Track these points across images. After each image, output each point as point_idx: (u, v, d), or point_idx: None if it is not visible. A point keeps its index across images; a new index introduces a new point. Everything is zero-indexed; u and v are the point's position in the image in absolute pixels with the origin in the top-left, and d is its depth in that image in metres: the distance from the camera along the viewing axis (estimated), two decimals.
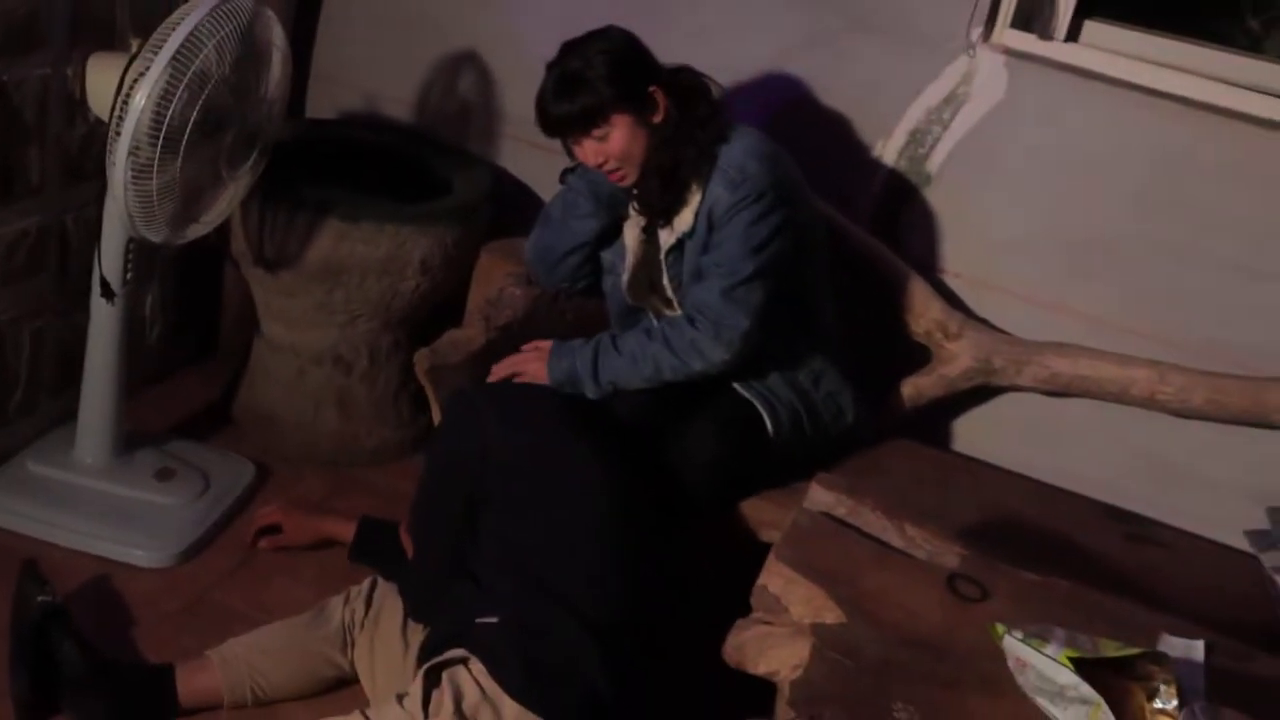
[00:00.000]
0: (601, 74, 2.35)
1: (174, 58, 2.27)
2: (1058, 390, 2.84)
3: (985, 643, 1.89)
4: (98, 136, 2.31)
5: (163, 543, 2.66)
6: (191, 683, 2.29)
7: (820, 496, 2.21)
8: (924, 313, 2.86)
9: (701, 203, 2.42)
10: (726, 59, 2.81)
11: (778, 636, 1.92)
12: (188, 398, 3.20)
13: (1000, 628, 1.81)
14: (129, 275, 2.59)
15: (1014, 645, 1.76)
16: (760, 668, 1.92)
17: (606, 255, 2.65)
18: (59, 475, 2.73)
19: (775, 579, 2.00)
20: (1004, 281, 2.91)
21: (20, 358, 2.78)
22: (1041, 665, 1.72)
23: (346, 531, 2.72)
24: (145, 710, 2.27)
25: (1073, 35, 2.81)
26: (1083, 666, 1.68)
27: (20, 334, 2.76)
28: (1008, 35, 2.81)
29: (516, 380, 2.50)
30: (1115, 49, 2.77)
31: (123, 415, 2.76)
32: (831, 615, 1.92)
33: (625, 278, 2.60)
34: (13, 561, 2.49)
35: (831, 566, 2.02)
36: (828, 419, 2.62)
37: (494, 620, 2.10)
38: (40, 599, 2.30)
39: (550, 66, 2.41)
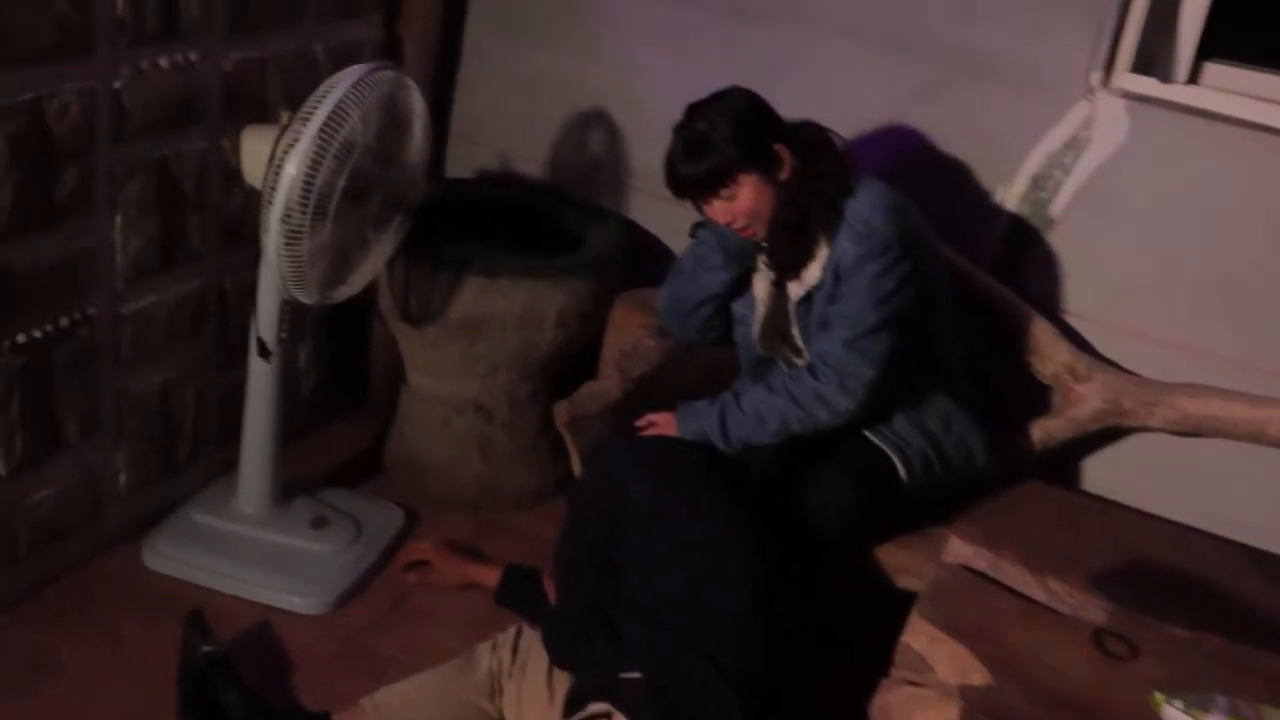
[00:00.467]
0: (726, 135, 2.23)
1: (322, 128, 2.20)
2: (1189, 431, 2.63)
3: (1136, 703, 1.72)
4: (254, 203, 2.25)
5: (319, 589, 2.58)
6: None
7: (959, 549, 2.05)
8: (1052, 355, 2.67)
9: (830, 256, 2.27)
10: (847, 111, 2.66)
11: (925, 699, 1.76)
12: (340, 446, 3.13)
13: (1159, 696, 1.64)
14: (283, 335, 2.53)
15: (1174, 715, 1.59)
16: None
17: (737, 306, 2.51)
18: (221, 524, 2.67)
19: (919, 637, 1.84)
20: (1129, 322, 2.71)
21: (185, 413, 2.73)
22: None
23: (491, 577, 2.63)
24: None
25: (1193, 77, 2.61)
26: None
27: (185, 391, 2.71)
28: (1127, 79, 2.62)
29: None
30: (1237, 90, 2.57)
31: (280, 466, 2.69)
32: (978, 675, 1.76)
33: (756, 329, 2.46)
34: (179, 608, 2.44)
35: (975, 624, 1.85)
36: (959, 462, 2.45)
37: (636, 675, 1.97)
38: (205, 648, 2.24)
39: (677, 129, 2.29)
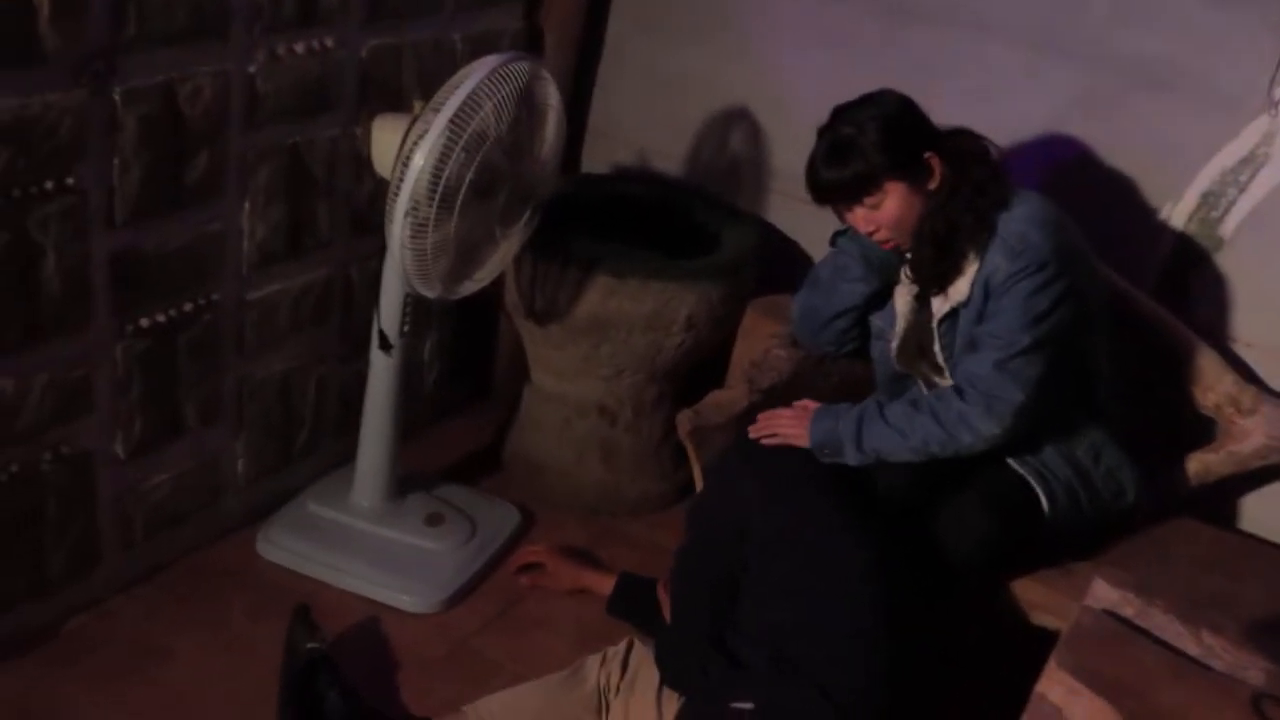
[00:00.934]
0: (874, 140, 2.11)
1: (453, 119, 2.15)
2: None
3: None
4: (382, 192, 2.21)
5: (430, 589, 2.54)
6: None
7: (1104, 593, 1.90)
8: (1214, 385, 2.50)
9: (979, 271, 2.14)
10: (1004, 118, 2.52)
11: None
12: (460, 441, 3.09)
13: None
14: (406, 328, 2.49)
15: None
16: None
17: (875, 320, 2.40)
18: (336, 517, 2.65)
19: (1056, 688, 1.71)
20: None
21: (305, 402, 2.72)
22: None
23: (605, 585, 2.56)
24: None
25: None
26: None
27: (306, 380, 2.70)
28: None
29: (775, 440, 2.27)
30: None
31: (398, 461, 2.66)
32: None
33: (895, 344, 2.34)
34: (290, 599, 2.43)
35: (1119, 677, 1.71)
36: (1107, 497, 2.30)
37: (748, 706, 1.88)
38: (309, 645, 2.21)
39: (822, 132, 2.18)
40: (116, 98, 2.06)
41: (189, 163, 2.25)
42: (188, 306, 2.35)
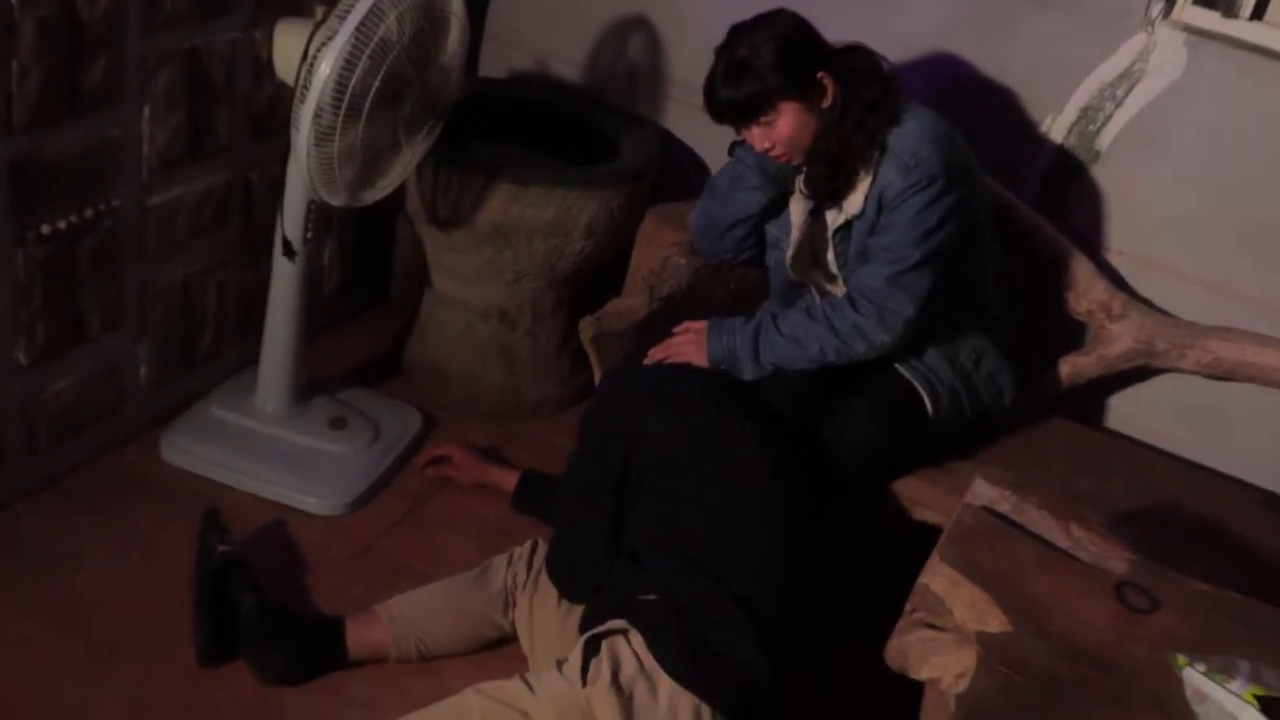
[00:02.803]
0: (770, 61, 2.17)
1: (358, 27, 2.15)
2: (1221, 375, 2.61)
3: (1155, 659, 1.72)
4: (283, 97, 2.22)
5: (335, 491, 2.59)
6: (360, 636, 2.22)
7: (983, 491, 2.04)
8: (1087, 291, 2.64)
9: (872, 185, 2.23)
10: (896, 30, 2.63)
11: (942, 643, 1.76)
12: (361, 346, 3.12)
13: (1181, 659, 1.64)
14: (309, 235, 2.51)
15: (1196, 678, 1.59)
16: (923, 673, 1.77)
17: (771, 229, 2.48)
18: (240, 421, 2.68)
19: (939, 580, 1.84)
20: (1169, 261, 2.68)
21: (207, 307, 2.72)
22: (1224, 701, 1.55)
23: (509, 481, 2.65)
24: (317, 658, 2.21)
25: (1258, 13, 2.53)
26: (1269, 707, 1.50)
27: (207, 285, 2.70)
28: (1189, 12, 2.54)
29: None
30: None
31: (301, 366, 2.69)
32: (996, 622, 1.76)
33: (789, 253, 2.43)
34: (197, 503, 2.47)
35: (996, 569, 1.85)
36: (987, 400, 2.44)
37: (654, 598, 1.98)
38: (221, 549, 2.26)
39: (719, 52, 2.24)
40: (14, 1, 2.03)
41: (87, 67, 2.22)
42: (88, 213, 2.34)
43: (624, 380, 2.30)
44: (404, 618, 2.24)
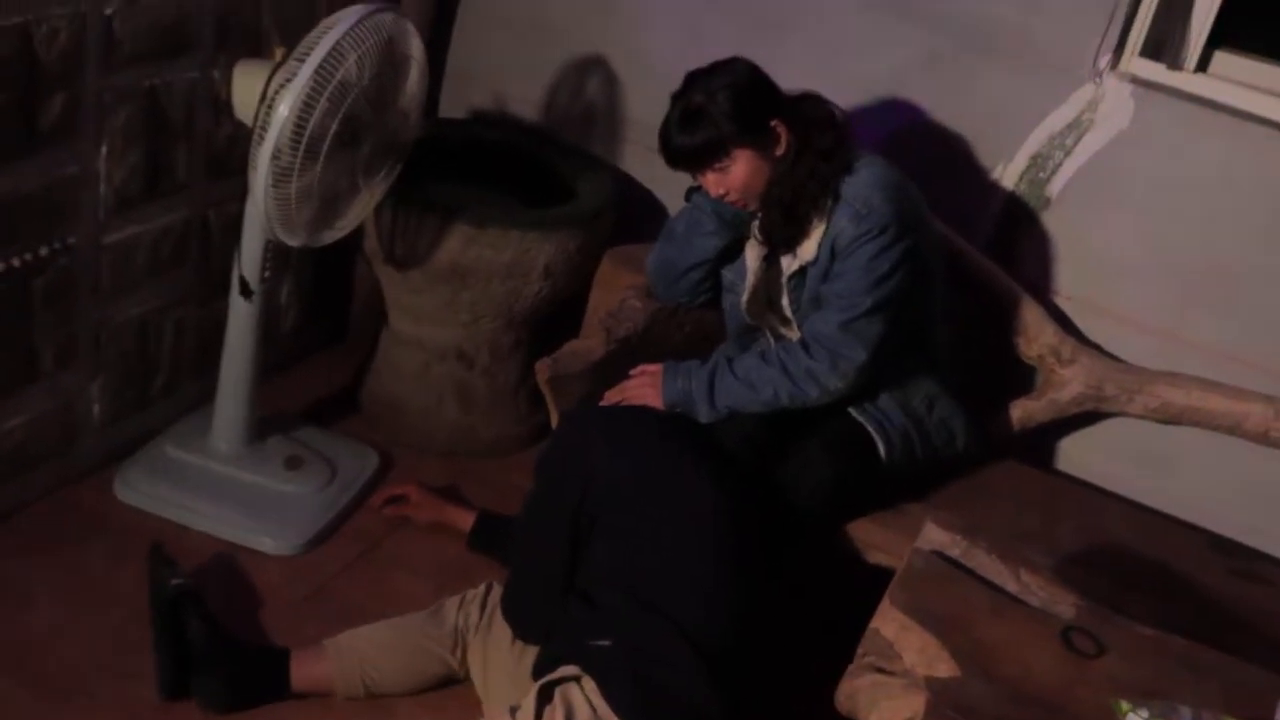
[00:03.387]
0: (724, 109, 2.21)
1: (318, 69, 2.17)
2: (1168, 419, 2.66)
3: (1099, 705, 1.74)
4: (242, 136, 2.23)
5: (290, 531, 2.58)
6: (306, 668, 2.22)
7: (934, 535, 2.06)
8: (1037, 337, 2.68)
9: (825, 233, 2.27)
10: (847, 77, 2.68)
11: (892, 687, 1.78)
12: (317, 384, 3.11)
13: (1125, 704, 1.66)
14: (266, 274, 2.51)
15: None
16: (872, 718, 1.79)
17: (727, 273, 2.51)
18: (194, 460, 2.66)
19: (889, 624, 1.86)
20: (1118, 307, 2.72)
21: (163, 345, 2.72)
22: None
23: (466, 520, 2.65)
24: (258, 688, 2.21)
25: (1202, 66, 2.60)
26: None
27: (164, 323, 2.69)
28: (1136, 64, 2.61)
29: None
30: (1246, 81, 2.56)
31: (256, 404, 2.69)
32: (945, 667, 1.78)
33: (745, 298, 2.46)
34: (147, 543, 2.44)
35: (946, 614, 1.87)
36: (939, 444, 2.47)
37: (607, 643, 1.99)
38: (174, 581, 2.24)
39: (675, 98, 2.27)
40: None
41: (44, 105, 2.22)
42: (43, 251, 2.33)
43: (581, 421, 2.31)
44: (350, 650, 2.23)
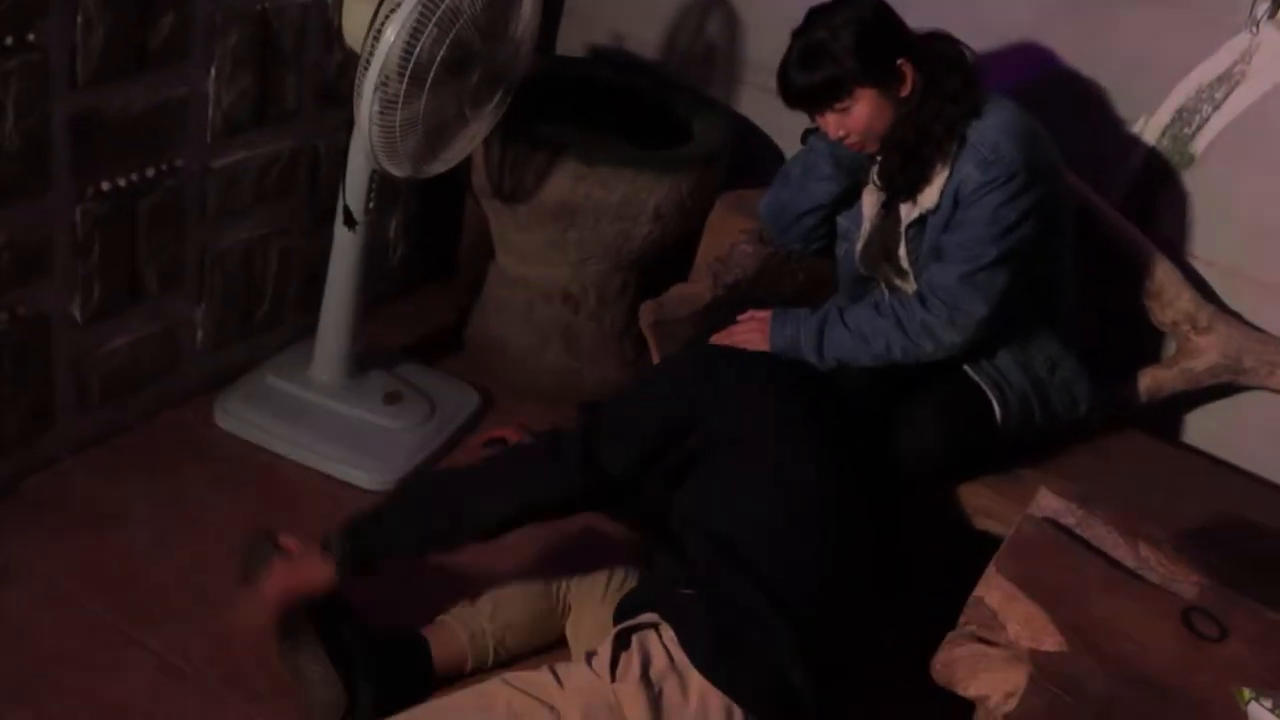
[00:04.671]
0: (848, 46, 2.10)
1: None
2: None
3: (1219, 692, 1.62)
4: (352, 65, 2.19)
5: (385, 466, 2.56)
6: (443, 652, 2.14)
7: (1049, 502, 1.94)
8: (1173, 301, 2.53)
9: (949, 180, 2.15)
10: (986, 18, 2.53)
11: (993, 659, 1.68)
12: (422, 320, 3.10)
13: (1247, 692, 1.54)
14: (371, 205, 2.48)
15: (1261, 714, 1.50)
16: (970, 690, 1.68)
17: (842, 220, 2.40)
18: (294, 390, 2.66)
19: (994, 593, 1.75)
20: (1263, 274, 2.55)
21: (267, 274, 2.71)
22: None
23: None
24: (409, 689, 2.09)
25: None
26: None
27: (268, 251, 2.69)
28: None
29: None
30: None
31: (358, 338, 2.67)
32: (1052, 641, 1.67)
33: (859, 246, 2.35)
34: (246, 469, 2.47)
35: (1056, 585, 1.76)
36: (1060, 409, 2.35)
37: (690, 592, 1.92)
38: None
39: (796, 34, 2.17)
40: None
41: (154, 24, 2.22)
42: (150, 172, 2.33)
43: (713, 358, 2.23)
44: (480, 632, 2.17)
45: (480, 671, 2.15)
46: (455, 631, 2.18)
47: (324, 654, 2.01)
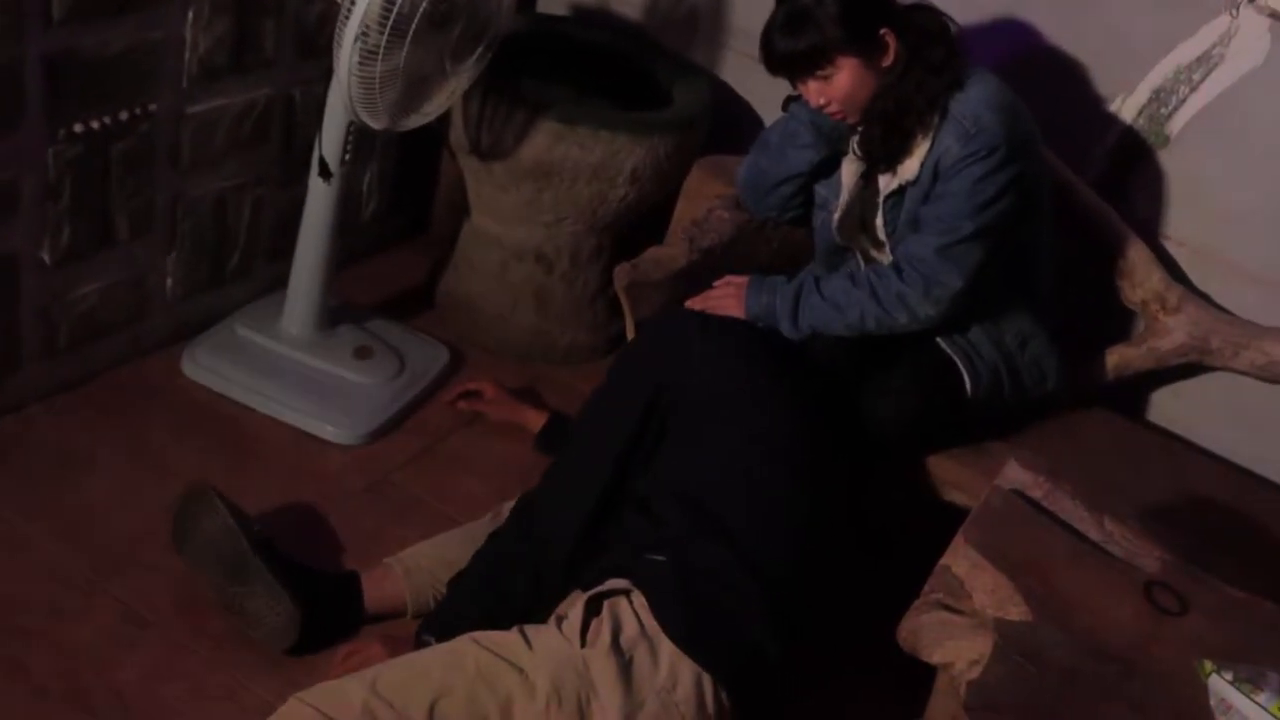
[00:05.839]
0: (831, 13, 2.08)
1: None
2: (1275, 379, 2.51)
3: (1180, 664, 1.65)
4: (333, 15, 2.16)
5: (354, 420, 2.55)
6: (377, 590, 2.15)
7: (1016, 474, 1.96)
8: (1143, 281, 2.54)
9: (929, 151, 2.15)
10: None
11: (958, 627, 1.69)
12: (394, 276, 3.07)
13: (1209, 665, 1.56)
14: (347, 157, 2.45)
15: (1222, 686, 1.52)
16: (935, 657, 1.70)
17: (820, 189, 2.40)
18: (263, 342, 2.63)
19: (961, 562, 1.77)
20: (1232, 256, 2.57)
21: (240, 223, 2.68)
22: (1249, 712, 1.48)
23: (537, 421, 2.60)
24: (335, 617, 2.12)
25: None
26: None
27: (241, 201, 2.65)
28: None
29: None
30: None
31: (330, 291, 2.64)
32: (1017, 611, 1.69)
33: (837, 215, 2.35)
34: (213, 419, 2.46)
35: (1022, 556, 1.78)
36: (1029, 383, 2.36)
37: (662, 558, 1.92)
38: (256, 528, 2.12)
39: (779, 0, 2.15)
40: None
41: None
42: (123, 115, 2.29)
43: (668, 321, 2.24)
44: (419, 569, 2.16)
45: (424, 614, 2.12)
46: (390, 568, 2.17)
47: (276, 582, 2.03)
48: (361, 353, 2.67)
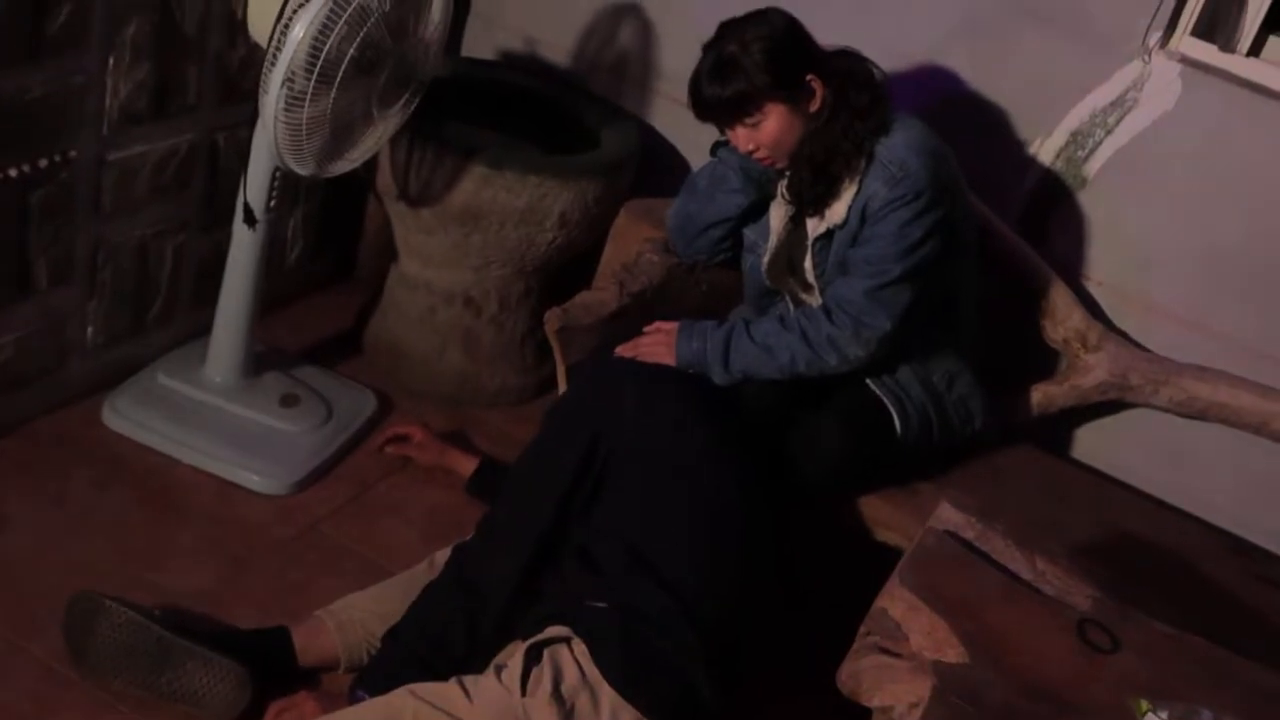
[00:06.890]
0: (758, 60, 2.11)
1: None
2: (1194, 414, 2.57)
3: (1114, 701, 1.66)
4: (257, 59, 2.13)
5: (280, 470, 2.50)
6: (309, 644, 2.09)
7: (948, 515, 1.97)
8: (1064, 320, 2.59)
9: (857, 195, 2.17)
10: (888, 38, 2.55)
11: (897, 670, 1.70)
12: (320, 321, 3.02)
13: (1144, 703, 1.58)
14: (272, 203, 2.42)
15: None
16: (875, 700, 1.70)
17: (749, 233, 2.41)
18: (187, 391, 2.57)
19: (897, 604, 1.77)
20: (1150, 295, 2.63)
21: (162, 270, 2.62)
22: None
23: (468, 466, 2.56)
24: (267, 676, 2.04)
25: (1255, 49, 2.49)
26: None
27: (164, 248, 2.60)
28: (1187, 43, 2.51)
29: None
30: None
31: (254, 338, 2.60)
32: (954, 652, 1.70)
33: (766, 259, 2.36)
34: (135, 471, 2.41)
35: (957, 597, 1.79)
36: (956, 423, 2.38)
37: (603, 605, 1.91)
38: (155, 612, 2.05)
39: (707, 48, 2.17)
40: None
41: (52, 9, 2.13)
42: (42, 162, 2.24)
43: (600, 371, 2.23)
44: (352, 623, 2.11)
45: (358, 669, 2.08)
46: (322, 621, 2.11)
47: (210, 651, 1.96)
48: (288, 400, 2.62)
